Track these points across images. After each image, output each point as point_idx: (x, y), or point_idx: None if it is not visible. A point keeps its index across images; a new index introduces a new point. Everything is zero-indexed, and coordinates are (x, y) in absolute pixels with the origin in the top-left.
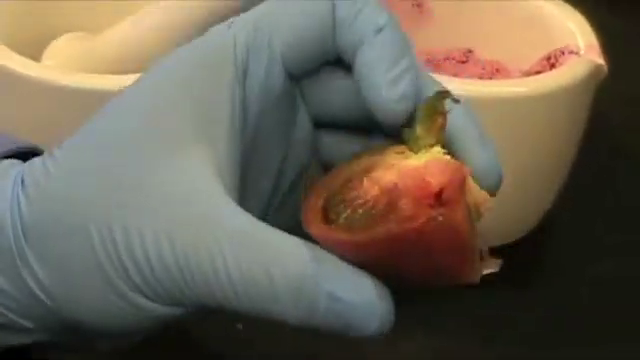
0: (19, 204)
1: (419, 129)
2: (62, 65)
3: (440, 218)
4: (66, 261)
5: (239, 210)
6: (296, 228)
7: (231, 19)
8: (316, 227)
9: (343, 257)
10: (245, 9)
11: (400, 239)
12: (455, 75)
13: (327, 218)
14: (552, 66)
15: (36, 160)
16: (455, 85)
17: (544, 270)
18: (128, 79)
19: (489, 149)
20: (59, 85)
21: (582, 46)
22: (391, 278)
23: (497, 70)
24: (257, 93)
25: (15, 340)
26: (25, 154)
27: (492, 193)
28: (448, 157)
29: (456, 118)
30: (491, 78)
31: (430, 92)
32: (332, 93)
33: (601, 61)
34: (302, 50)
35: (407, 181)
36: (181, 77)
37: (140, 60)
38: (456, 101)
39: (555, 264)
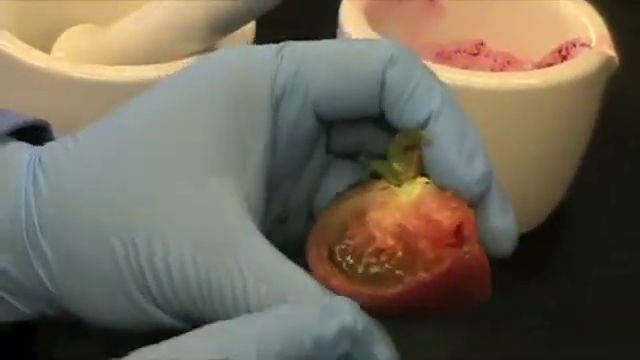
0: (37, 189)
1: (397, 165)
2: (71, 57)
3: (467, 256)
4: (81, 259)
5: (263, 239)
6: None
7: (282, 44)
8: (338, 281)
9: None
10: (246, 9)
11: (430, 284)
12: (466, 67)
13: (340, 269)
14: (563, 58)
15: (57, 146)
16: (466, 77)
17: (550, 263)
18: (136, 70)
19: (510, 216)
20: (69, 76)
21: (593, 38)
22: (412, 315)
23: (508, 62)
24: (286, 130)
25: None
26: (28, 129)
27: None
28: (436, 188)
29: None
30: (502, 70)
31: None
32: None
33: (612, 53)
34: (337, 108)
35: (412, 221)
36: (218, 95)
37: (146, 54)
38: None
39: (562, 257)
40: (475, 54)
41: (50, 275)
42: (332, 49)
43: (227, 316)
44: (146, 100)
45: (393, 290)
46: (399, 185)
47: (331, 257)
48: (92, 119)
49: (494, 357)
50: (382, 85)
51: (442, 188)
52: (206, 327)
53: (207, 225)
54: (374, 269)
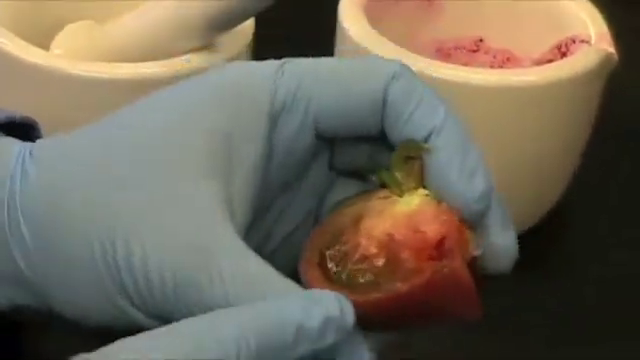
0: (24, 180)
1: (399, 175)
2: (70, 54)
3: (445, 270)
4: (60, 252)
5: (243, 244)
6: (290, 275)
7: (284, 60)
8: (321, 286)
9: None
10: (241, 8)
11: (408, 295)
12: (466, 64)
13: (326, 274)
14: (563, 55)
15: (47, 142)
16: (465, 74)
17: (549, 261)
18: (135, 67)
19: (510, 233)
20: (67, 73)
21: (593, 35)
22: (394, 325)
23: (508, 59)
24: (282, 146)
25: None
26: (17, 126)
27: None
28: (435, 201)
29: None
30: (502, 67)
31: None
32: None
33: (612, 50)
34: (338, 125)
35: (401, 231)
36: (216, 105)
37: (144, 51)
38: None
39: (561, 256)
40: (474, 51)
41: (28, 262)
42: (334, 66)
43: None
44: (143, 105)
45: (371, 297)
46: (401, 195)
47: (321, 262)
48: (90, 116)
49: (494, 356)
50: (384, 102)
51: (440, 201)
52: (178, 323)
53: (187, 228)
54: (357, 276)
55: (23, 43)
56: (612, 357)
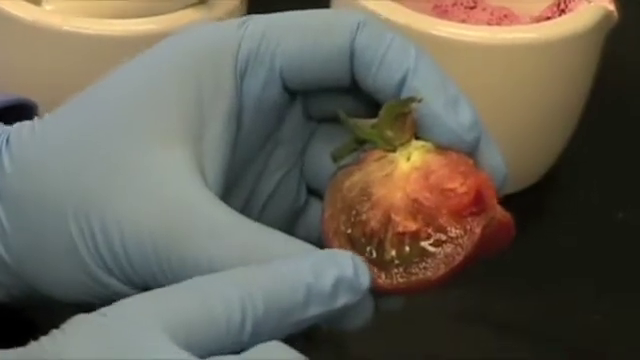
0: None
1: (390, 132)
2: (62, 10)
3: (493, 222)
4: (37, 231)
5: (216, 199)
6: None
7: (246, 17)
8: (382, 280)
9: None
10: None
11: (463, 262)
12: (463, 21)
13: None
14: (562, 12)
15: (26, 124)
16: (463, 31)
17: (543, 220)
18: (128, 24)
19: (498, 152)
20: (59, 30)
21: None
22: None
23: (505, 16)
24: (251, 101)
25: None
26: (10, 109)
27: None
28: (433, 148)
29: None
30: (499, 24)
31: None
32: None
33: (612, 7)
34: (305, 78)
35: (426, 195)
36: (182, 69)
37: (138, 8)
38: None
39: (555, 215)
40: (472, 7)
41: (5, 241)
42: (297, 20)
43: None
44: (111, 80)
45: (440, 273)
46: (393, 150)
47: (354, 248)
48: (83, 73)
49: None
50: (352, 52)
51: (440, 148)
52: (180, 283)
53: (160, 191)
54: (403, 255)
55: None
56: (610, 308)
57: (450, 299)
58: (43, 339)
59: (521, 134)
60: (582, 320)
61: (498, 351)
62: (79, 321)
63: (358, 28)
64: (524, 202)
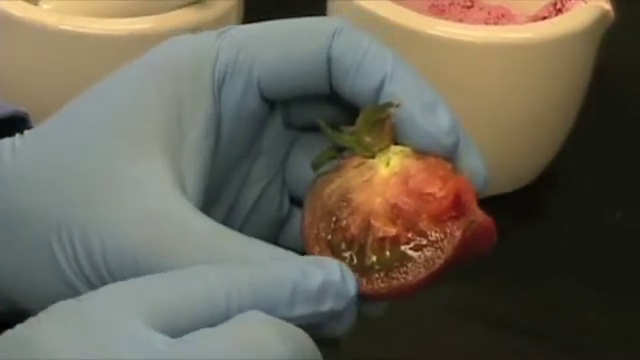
0: None
1: (368, 138)
2: (59, 9)
3: (474, 225)
4: (17, 245)
5: (195, 210)
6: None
7: (223, 29)
8: (363, 286)
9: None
10: None
11: (442, 266)
12: (460, 20)
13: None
14: (558, 12)
15: (7, 141)
16: (460, 31)
17: (541, 218)
18: (125, 23)
19: (478, 154)
20: (56, 29)
21: None
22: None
23: (502, 15)
24: (230, 111)
25: None
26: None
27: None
28: (412, 153)
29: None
30: (496, 23)
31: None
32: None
33: (608, 7)
34: (283, 87)
35: (404, 199)
36: (161, 81)
37: (134, 7)
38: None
39: (553, 213)
40: (469, 7)
41: None
42: (275, 29)
43: None
44: (90, 97)
45: (420, 277)
46: (372, 156)
47: (335, 254)
48: (80, 72)
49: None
50: (329, 60)
51: (419, 153)
52: (164, 273)
53: (139, 204)
54: (384, 260)
55: None
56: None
57: (447, 299)
58: (18, 326)
59: (516, 134)
60: (578, 319)
61: (495, 350)
62: (54, 307)
63: (334, 35)
64: (519, 202)
